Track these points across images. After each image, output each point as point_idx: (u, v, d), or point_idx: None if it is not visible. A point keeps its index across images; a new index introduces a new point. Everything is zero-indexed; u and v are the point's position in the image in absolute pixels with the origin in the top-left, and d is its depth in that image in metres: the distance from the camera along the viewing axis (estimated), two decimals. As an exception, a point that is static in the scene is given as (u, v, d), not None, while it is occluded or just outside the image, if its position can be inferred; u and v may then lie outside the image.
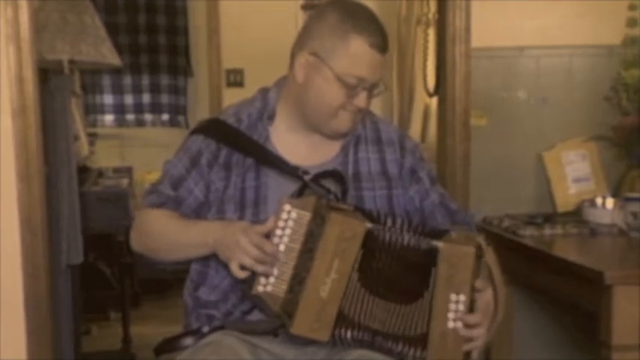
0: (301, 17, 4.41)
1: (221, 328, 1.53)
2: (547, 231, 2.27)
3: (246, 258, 1.40)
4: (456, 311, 1.44)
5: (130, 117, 4.92)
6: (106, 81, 4.85)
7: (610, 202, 2.32)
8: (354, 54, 1.50)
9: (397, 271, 1.45)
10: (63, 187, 2.58)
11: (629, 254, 2.12)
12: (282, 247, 1.41)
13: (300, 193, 1.46)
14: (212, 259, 1.54)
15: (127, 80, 4.88)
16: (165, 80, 4.91)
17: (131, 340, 3.48)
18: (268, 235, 1.41)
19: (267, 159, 1.56)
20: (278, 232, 1.42)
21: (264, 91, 1.66)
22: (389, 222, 1.47)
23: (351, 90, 1.52)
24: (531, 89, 2.56)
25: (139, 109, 4.92)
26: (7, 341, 2.13)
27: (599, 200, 2.35)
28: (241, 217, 1.53)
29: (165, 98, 4.92)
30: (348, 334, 1.43)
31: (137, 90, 4.90)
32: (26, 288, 2.13)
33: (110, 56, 3.10)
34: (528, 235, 2.24)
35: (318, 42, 1.52)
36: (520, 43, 2.54)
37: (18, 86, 2.09)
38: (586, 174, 2.52)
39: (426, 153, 1.76)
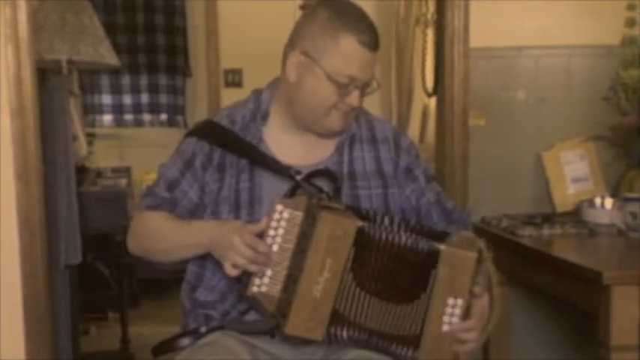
0: (300, 17, 4.39)
1: (219, 328, 1.53)
2: (546, 231, 2.27)
3: (239, 258, 1.40)
4: (452, 315, 1.44)
5: (129, 117, 4.91)
6: (105, 81, 4.83)
7: (609, 202, 2.32)
8: (345, 52, 1.50)
9: (393, 270, 1.45)
10: (61, 187, 2.58)
11: (627, 254, 2.12)
12: (275, 248, 1.41)
13: (292, 193, 1.46)
14: (208, 260, 1.54)
15: (126, 80, 4.86)
16: (163, 80, 4.89)
17: (130, 340, 3.47)
18: (262, 235, 1.41)
19: (259, 159, 1.56)
20: (271, 232, 1.41)
21: (257, 93, 1.66)
22: (385, 220, 1.46)
23: (342, 88, 1.52)
24: (530, 89, 2.56)
25: (137, 109, 4.90)
26: (5, 341, 2.13)
27: (597, 200, 2.35)
28: (236, 218, 1.53)
29: (163, 98, 4.91)
30: (344, 333, 1.43)
31: (135, 90, 4.89)
32: (25, 288, 2.13)
33: (108, 56, 3.10)
34: (527, 235, 2.24)
35: (309, 41, 1.52)
36: (519, 43, 2.54)
37: (16, 86, 2.09)
38: (585, 174, 2.52)
39: (424, 153, 1.76)
